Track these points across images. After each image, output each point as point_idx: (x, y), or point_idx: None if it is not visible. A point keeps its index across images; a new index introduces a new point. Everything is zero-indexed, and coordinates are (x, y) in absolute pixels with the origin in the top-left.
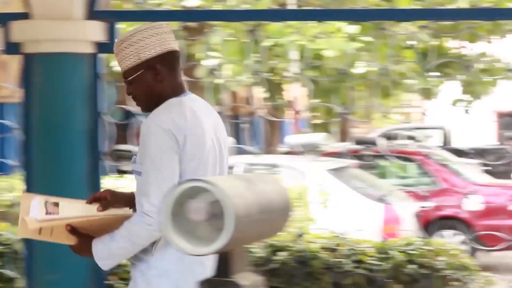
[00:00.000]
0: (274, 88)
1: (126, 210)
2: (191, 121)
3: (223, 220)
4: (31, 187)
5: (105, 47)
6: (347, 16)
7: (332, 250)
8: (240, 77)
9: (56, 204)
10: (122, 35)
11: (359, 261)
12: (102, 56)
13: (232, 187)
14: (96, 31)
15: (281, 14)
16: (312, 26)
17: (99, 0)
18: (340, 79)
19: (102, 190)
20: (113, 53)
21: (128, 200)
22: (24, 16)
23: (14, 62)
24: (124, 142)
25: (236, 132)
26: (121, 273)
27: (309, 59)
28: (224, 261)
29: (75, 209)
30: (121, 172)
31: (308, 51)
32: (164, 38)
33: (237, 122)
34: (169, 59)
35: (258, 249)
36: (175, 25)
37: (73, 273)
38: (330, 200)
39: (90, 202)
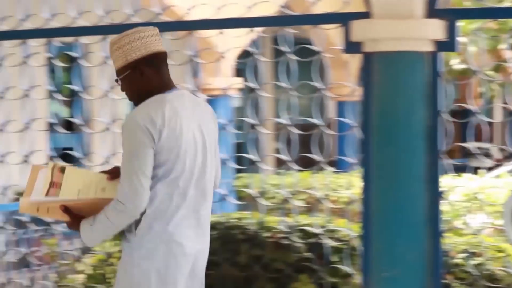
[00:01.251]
0: None
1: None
2: (168, 116)
3: None
4: (369, 184)
5: (445, 45)
6: None
7: None
8: None
9: (62, 170)
10: (113, 38)
11: None
12: (441, 54)
13: None
14: (436, 29)
15: None
16: None
17: None
18: None
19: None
20: (454, 51)
21: None
22: (365, 15)
23: (354, 61)
24: (462, 140)
25: None
26: (458, 272)
27: None
28: None
29: (79, 181)
30: (461, 170)
31: None
32: (149, 41)
33: None
34: (153, 60)
35: None
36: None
37: (410, 271)
38: None
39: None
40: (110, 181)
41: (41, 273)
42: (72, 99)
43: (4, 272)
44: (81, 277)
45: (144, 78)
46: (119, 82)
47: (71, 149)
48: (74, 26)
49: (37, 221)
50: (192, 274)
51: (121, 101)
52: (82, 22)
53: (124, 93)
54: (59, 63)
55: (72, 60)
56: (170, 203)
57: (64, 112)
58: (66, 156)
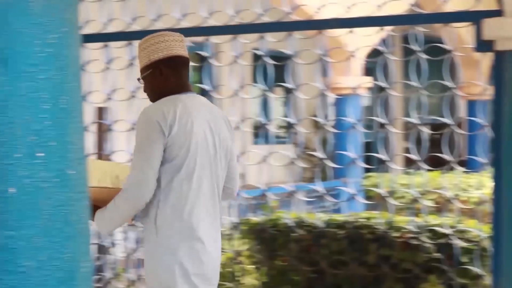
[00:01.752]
0: None
1: None
2: (180, 113)
3: None
4: (499, 184)
5: None
6: None
7: None
8: None
9: None
10: (141, 40)
11: None
12: None
13: None
14: None
15: None
16: None
17: None
18: None
19: None
20: None
21: None
22: (497, 13)
23: (486, 60)
24: None
25: None
26: None
27: None
28: None
29: (98, 171)
30: None
31: None
32: (171, 45)
33: None
34: (173, 62)
35: None
36: None
37: None
38: None
39: None
40: (123, 169)
41: None
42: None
43: (134, 269)
44: None
45: (163, 78)
46: (141, 82)
47: None
48: (204, 25)
49: None
50: (213, 271)
51: (251, 100)
52: (212, 22)
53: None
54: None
55: (202, 59)
56: (186, 200)
57: None
58: None
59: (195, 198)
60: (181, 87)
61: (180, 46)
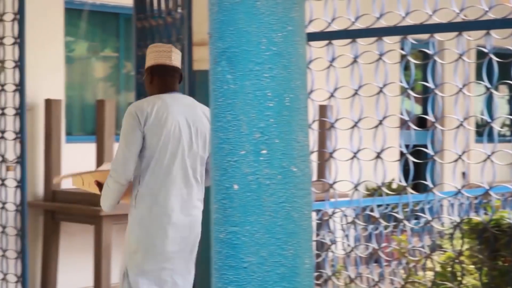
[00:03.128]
0: None
1: None
2: (157, 108)
3: None
4: None
5: None
6: None
7: None
8: None
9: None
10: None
11: None
12: None
13: None
14: None
15: None
16: None
17: None
18: None
19: None
20: None
21: None
22: None
23: None
24: None
25: None
26: None
27: None
28: None
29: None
30: None
31: None
32: (159, 55)
33: None
34: (157, 69)
35: None
36: None
37: None
38: None
39: None
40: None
41: (390, 268)
42: (425, 96)
43: (353, 266)
44: (429, 275)
45: (150, 81)
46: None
47: (423, 146)
48: (428, 23)
49: (387, 217)
50: (181, 242)
51: (475, 98)
52: (436, 19)
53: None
54: (412, 60)
55: (425, 57)
56: (156, 180)
57: (416, 109)
58: (417, 153)
59: (168, 181)
60: (164, 89)
61: (167, 56)
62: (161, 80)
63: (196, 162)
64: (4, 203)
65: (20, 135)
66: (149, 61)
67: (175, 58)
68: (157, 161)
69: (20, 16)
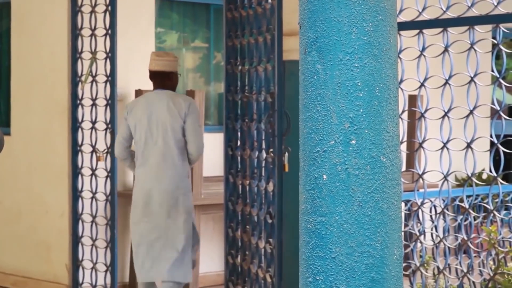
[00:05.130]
0: None
1: None
2: (138, 103)
3: None
4: None
5: None
6: None
7: None
8: None
9: None
10: None
11: None
12: None
13: None
14: None
15: None
16: None
17: None
18: None
19: None
20: None
21: None
22: None
23: None
24: None
25: None
26: None
27: None
28: None
29: None
30: None
31: None
32: (152, 62)
33: None
34: (150, 73)
35: None
36: None
37: None
38: None
39: None
40: None
41: (479, 259)
42: None
43: (442, 257)
44: None
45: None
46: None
47: None
48: None
49: (477, 207)
50: (148, 205)
51: None
52: None
53: None
54: (504, 49)
55: None
56: (137, 157)
57: (508, 98)
58: (508, 143)
59: (140, 156)
60: (154, 87)
61: (156, 63)
62: (153, 82)
63: (169, 145)
64: (94, 193)
65: (111, 126)
66: (149, 65)
67: (159, 64)
68: (137, 145)
69: (111, 7)
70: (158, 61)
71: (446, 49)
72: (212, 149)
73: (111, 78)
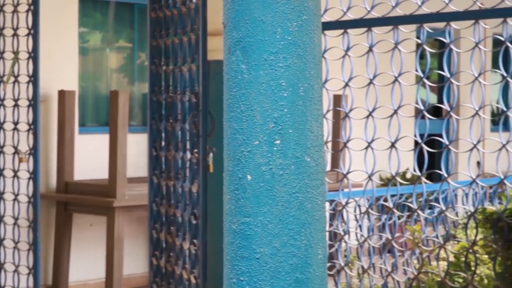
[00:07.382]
0: None
1: None
2: None
3: None
4: None
5: None
6: None
7: None
8: None
9: None
10: None
11: None
12: None
13: None
14: None
15: None
16: None
17: None
18: None
19: None
20: None
21: None
22: None
23: None
24: None
25: None
26: None
27: None
28: None
29: None
30: None
31: None
32: None
33: None
34: None
35: None
36: None
37: None
38: None
39: None
40: None
41: (403, 259)
42: (441, 85)
43: (366, 257)
44: (443, 265)
45: None
46: None
47: (438, 135)
48: (444, 11)
49: (401, 207)
50: None
51: (491, 87)
52: (452, 7)
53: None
54: (428, 49)
55: (441, 45)
56: None
57: (432, 98)
58: (432, 142)
59: None
60: None
61: None
62: None
63: None
64: (16, 195)
65: (33, 126)
66: None
67: None
68: None
69: (34, 6)
70: None
71: (370, 49)
72: (136, 150)
73: (34, 79)
